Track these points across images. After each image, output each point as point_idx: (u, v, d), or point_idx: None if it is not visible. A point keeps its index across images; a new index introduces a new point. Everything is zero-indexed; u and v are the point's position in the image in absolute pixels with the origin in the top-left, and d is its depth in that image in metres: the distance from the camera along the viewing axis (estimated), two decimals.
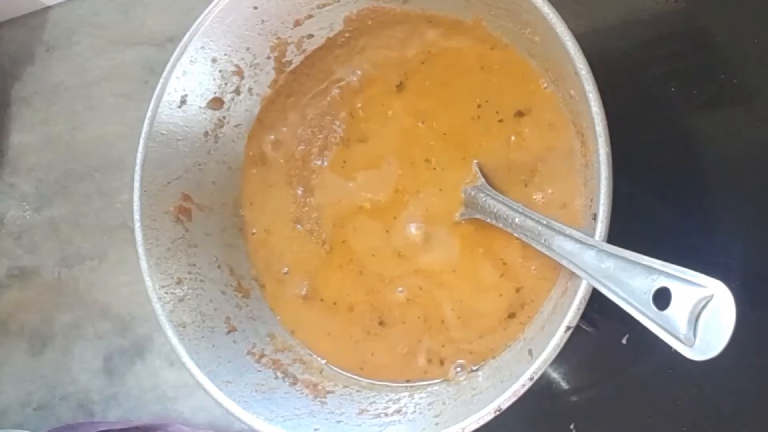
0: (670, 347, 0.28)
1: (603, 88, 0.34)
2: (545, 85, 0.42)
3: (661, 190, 0.45)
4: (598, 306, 0.32)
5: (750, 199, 0.43)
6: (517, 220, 0.38)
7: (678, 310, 0.28)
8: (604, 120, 0.34)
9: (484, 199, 0.41)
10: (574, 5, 0.39)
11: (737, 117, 0.44)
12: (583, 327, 0.43)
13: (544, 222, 0.36)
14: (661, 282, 0.29)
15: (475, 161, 0.43)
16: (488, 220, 0.41)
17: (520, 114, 0.43)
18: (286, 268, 0.48)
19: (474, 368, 0.41)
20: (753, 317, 0.40)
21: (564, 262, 0.34)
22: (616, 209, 0.33)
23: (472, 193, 0.42)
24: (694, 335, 0.28)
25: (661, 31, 0.46)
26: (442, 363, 0.43)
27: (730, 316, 0.27)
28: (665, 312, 0.28)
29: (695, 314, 0.28)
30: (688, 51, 0.46)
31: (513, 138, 0.43)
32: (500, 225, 0.40)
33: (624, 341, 0.43)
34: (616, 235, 0.33)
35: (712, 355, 0.27)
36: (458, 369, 0.42)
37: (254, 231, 0.49)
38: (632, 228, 0.39)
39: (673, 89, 0.45)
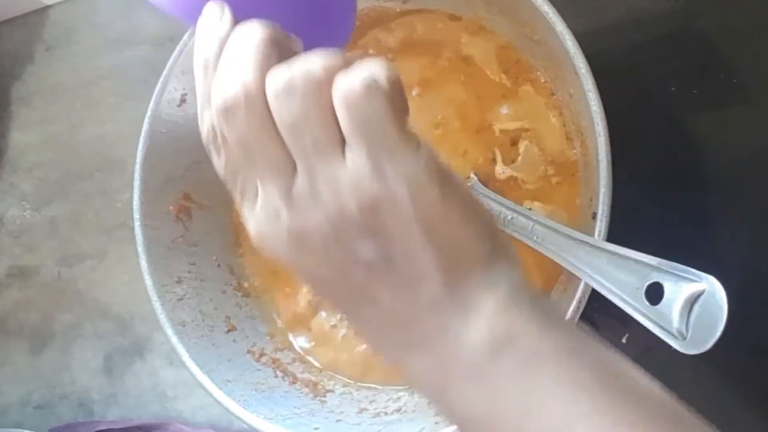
0: (669, 346, 0.28)
1: (602, 88, 0.34)
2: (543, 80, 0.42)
3: (661, 189, 0.45)
4: (597, 305, 0.32)
5: (750, 199, 0.43)
6: (509, 217, 0.38)
7: (670, 305, 0.28)
8: (604, 119, 0.34)
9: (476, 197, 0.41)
10: (573, 5, 0.39)
11: (737, 117, 0.44)
12: (583, 326, 0.43)
13: (535, 218, 0.37)
14: (654, 277, 0.29)
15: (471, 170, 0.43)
16: None
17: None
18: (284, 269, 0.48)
19: None
20: (753, 317, 0.40)
21: (556, 258, 0.34)
22: (616, 209, 0.33)
23: None
24: (687, 329, 0.28)
25: (661, 31, 0.46)
26: None
27: (721, 309, 0.27)
28: (658, 307, 0.29)
29: (687, 308, 0.28)
30: (688, 51, 0.46)
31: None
32: None
33: (624, 340, 0.43)
34: (616, 235, 0.33)
35: (704, 348, 0.27)
36: None
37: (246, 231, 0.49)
38: (631, 227, 0.39)
39: (672, 89, 0.45)
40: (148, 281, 0.43)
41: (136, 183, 0.44)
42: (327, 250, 0.22)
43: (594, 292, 0.32)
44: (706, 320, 0.27)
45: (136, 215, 0.44)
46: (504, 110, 0.43)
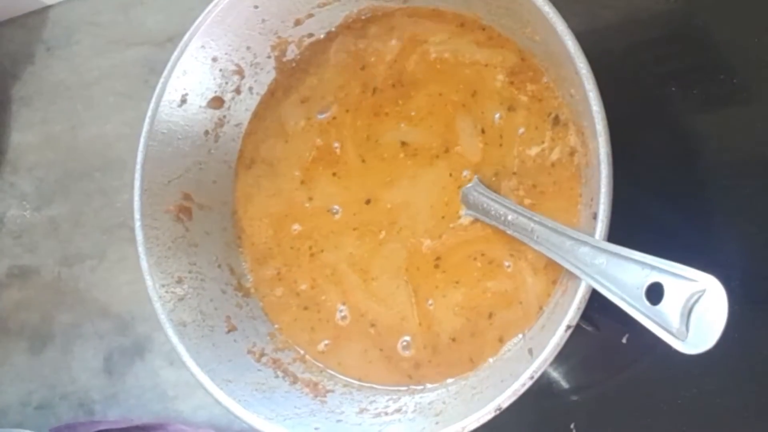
0: (670, 346, 0.28)
1: (603, 88, 0.34)
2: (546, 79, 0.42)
3: (661, 189, 0.45)
4: (598, 305, 0.32)
5: (749, 199, 0.43)
6: (509, 217, 0.38)
7: (671, 305, 0.28)
8: (605, 119, 0.34)
9: (477, 197, 0.41)
10: (574, 5, 0.40)
11: (737, 117, 0.44)
12: (584, 326, 0.43)
13: (536, 219, 0.37)
14: (654, 277, 0.29)
15: (476, 172, 0.43)
16: (482, 218, 0.41)
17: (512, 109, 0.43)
18: (278, 270, 0.47)
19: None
20: (753, 317, 0.40)
21: (557, 258, 0.34)
22: (616, 209, 0.33)
23: (465, 191, 0.42)
24: (687, 329, 0.28)
25: (661, 31, 0.46)
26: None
27: (722, 310, 0.27)
28: (658, 307, 0.29)
29: (688, 308, 0.28)
30: (688, 51, 0.46)
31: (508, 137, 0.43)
32: (494, 223, 0.40)
33: (624, 340, 0.43)
34: (616, 235, 0.33)
35: (704, 349, 0.27)
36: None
37: (248, 231, 0.49)
38: (632, 228, 0.39)
39: (673, 89, 0.45)
40: (149, 281, 0.43)
41: (137, 183, 0.44)
42: None
43: (594, 293, 0.32)
44: (707, 320, 0.27)
45: (137, 215, 0.44)
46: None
